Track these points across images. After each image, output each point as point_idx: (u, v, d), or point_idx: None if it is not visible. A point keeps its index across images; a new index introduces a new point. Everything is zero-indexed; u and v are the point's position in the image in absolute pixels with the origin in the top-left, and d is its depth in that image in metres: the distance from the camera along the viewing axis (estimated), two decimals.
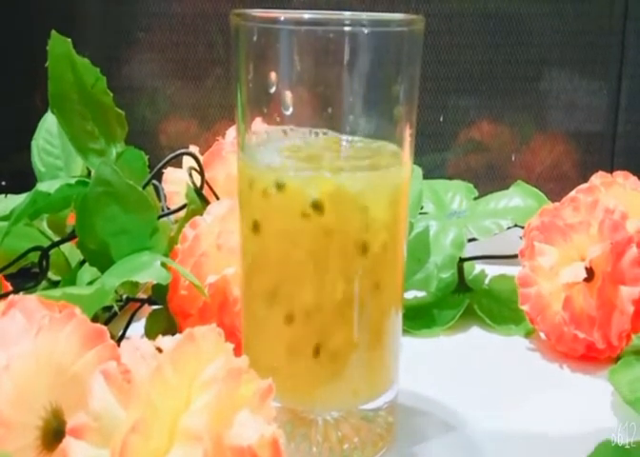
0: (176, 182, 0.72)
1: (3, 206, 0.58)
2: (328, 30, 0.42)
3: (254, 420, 0.35)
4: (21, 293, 0.55)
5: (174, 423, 0.33)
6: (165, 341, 0.36)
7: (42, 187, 0.53)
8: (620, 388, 0.53)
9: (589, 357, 0.59)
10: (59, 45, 0.54)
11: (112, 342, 0.37)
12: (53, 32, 0.54)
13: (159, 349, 0.35)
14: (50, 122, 0.67)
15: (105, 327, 0.37)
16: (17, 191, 0.61)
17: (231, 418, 0.34)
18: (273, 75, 0.43)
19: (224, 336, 0.37)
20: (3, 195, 0.62)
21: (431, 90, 0.85)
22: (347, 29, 0.41)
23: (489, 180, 0.89)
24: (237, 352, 0.37)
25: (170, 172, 0.72)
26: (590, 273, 0.58)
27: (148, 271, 0.49)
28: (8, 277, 0.58)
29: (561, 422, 0.52)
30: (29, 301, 0.37)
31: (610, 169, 0.66)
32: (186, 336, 0.35)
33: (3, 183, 0.88)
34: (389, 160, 0.45)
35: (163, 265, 0.50)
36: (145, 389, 0.33)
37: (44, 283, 0.57)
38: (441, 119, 0.89)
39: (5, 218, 0.56)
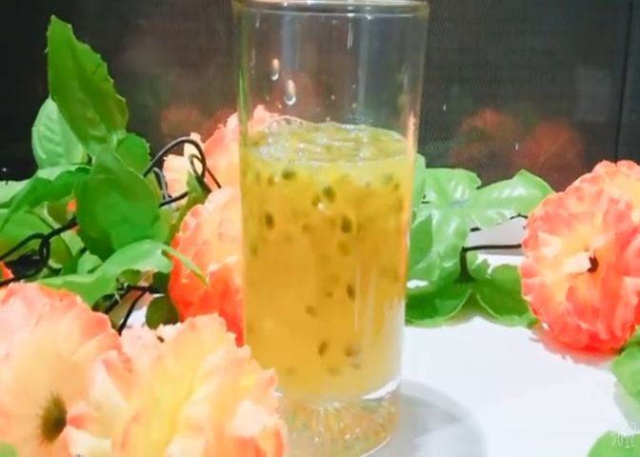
0: (177, 169, 0.71)
1: (3, 192, 0.58)
2: (331, 17, 0.41)
3: (256, 411, 0.34)
4: (21, 281, 0.55)
5: (176, 413, 0.33)
6: (166, 330, 0.35)
7: (42, 174, 0.53)
8: (623, 380, 0.52)
9: (592, 348, 0.59)
10: (59, 31, 0.54)
11: (113, 331, 0.37)
12: (53, 18, 0.53)
13: (160, 339, 0.35)
14: (50, 108, 0.67)
15: (106, 316, 0.37)
16: (18, 178, 0.61)
17: (233, 408, 0.34)
18: (276, 62, 0.43)
19: (225, 326, 0.37)
20: (3, 182, 0.62)
21: (435, 79, 0.84)
22: (350, 15, 0.41)
23: (492, 169, 0.89)
24: (238, 342, 0.37)
25: (170, 160, 0.72)
26: (594, 264, 0.58)
27: (149, 260, 0.49)
28: (8, 264, 0.58)
29: (563, 413, 0.52)
30: (29, 289, 0.37)
31: (615, 159, 0.66)
32: (187, 325, 0.35)
33: (4, 169, 0.88)
34: (393, 148, 0.44)
35: (164, 253, 0.50)
36: (146, 379, 0.32)
37: (44, 271, 0.57)
38: (444, 108, 0.88)
39: (5, 205, 0.56)
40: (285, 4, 0.41)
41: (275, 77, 0.43)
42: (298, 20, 0.42)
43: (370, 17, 0.41)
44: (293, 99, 0.43)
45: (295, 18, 0.42)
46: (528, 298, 0.61)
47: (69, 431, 0.32)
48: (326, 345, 0.45)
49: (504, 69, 0.87)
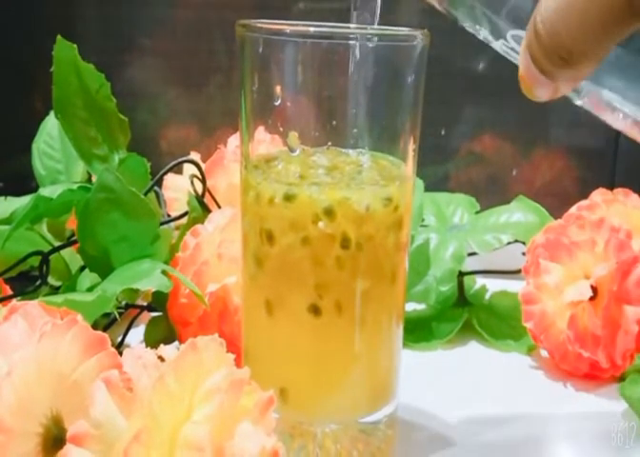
0: (176, 188, 0.71)
1: (3, 208, 0.58)
2: (333, 44, 0.42)
3: (255, 432, 0.34)
4: (19, 298, 0.55)
5: (176, 433, 0.33)
6: (166, 350, 0.36)
7: (44, 192, 0.53)
8: (634, 405, 0.53)
9: (591, 376, 0.59)
10: (64, 50, 0.54)
11: (113, 349, 0.37)
12: (59, 38, 0.53)
13: (161, 358, 0.35)
14: (51, 125, 0.67)
15: (106, 335, 0.37)
16: (14, 193, 0.61)
17: (233, 429, 0.34)
18: (278, 87, 0.43)
19: (225, 346, 0.37)
20: (2, 198, 0.62)
21: (433, 103, 0.85)
22: (351, 42, 0.42)
23: (490, 194, 0.89)
24: (237, 362, 0.37)
25: (170, 179, 0.72)
26: (595, 292, 0.58)
27: (149, 279, 0.49)
28: (6, 280, 0.58)
29: (566, 439, 0.53)
30: (31, 307, 0.37)
31: (611, 187, 0.66)
32: (188, 346, 0.35)
33: (0, 184, 0.88)
34: (393, 173, 0.45)
35: (164, 273, 0.50)
36: (147, 399, 0.33)
37: (44, 288, 0.57)
38: (442, 132, 0.89)
39: (5, 220, 0.56)
40: (287, 30, 0.42)
41: (277, 102, 0.43)
42: (300, 46, 0.42)
43: (371, 45, 0.42)
44: (295, 123, 0.44)
45: (298, 44, 0.42)
46: (528, 325, 0.61)
47: (69, 449, 0.32)
48: (320, 367, 0.45)
49: (503, 96, 0.87)
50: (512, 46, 0.36)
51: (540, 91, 0.33)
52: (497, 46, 0.37)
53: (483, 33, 0.37)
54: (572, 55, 0.31)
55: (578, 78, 0.33)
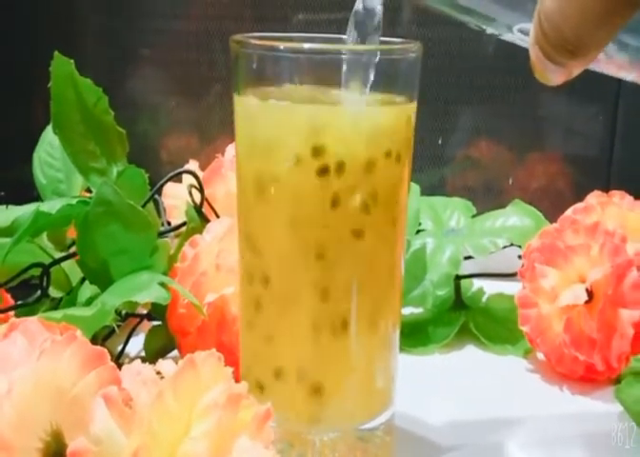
0: (176, 196, 0.72)
1: (4, 217, 0.58)
2: (326, 59, 0.42)
3: (253, 446, 0.35)
4: (19, 310, 0.56)
5: (174, 449, 0.33)
6: (165, 365, 0.36)
7: (44, 207, 0.54)
8: (629, 408, 0.53)
9: (587, 378, 0.59)
10: (62, 65, 0.54)
11: (112, 364, 0.37)
12: (56, 54, 0.54)
13: (159, 373, 0.35)
14: (52, 135, 0.67)
15: (105, 350, 0.37)
16: (17, 202, 0.61)
17: (231, 444, 0.35)
18: (272, 101, 0.44)
19: (223, 360, 0.37)
20: (4, 206, 0.62)
21: (430, 113, 0.85)
22: (344, 57, 0.42)
23: (486, 198, 0.89)
24: (236, 371, 0.37)
25: (169, 187, 0.72)
26: (590, 295, 0.58)
27: (147, 291, 0.50)
28: (8, 288, 0.58)
29: (559, 441, 0.53)
30: (30, 323, 0.38)
31: (606, 192, 0.66)
32: (186, 362, 0.35)
33: (2, 193, 0.88)
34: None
35: (162, 285, 0.50)
36: (146, 415, 0.33)
37: (44, 300, 0.58)
38: (439, 142, 0.89)
39: (6, 229, 0.56)
40: (281, 47, 0.42)
41: None
42: (294, 62, 0.42)
43: (364, 59, 0.42)
44: None
45: (291, 60, 0.42)
46: (524, 328, 0.61)
47: None
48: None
49: (500, 104, 0.88)
50: (521, 37, 0.37)
51: (553, 76, 0.35)
52: (506, 37, 0.38)
53: (490, 30, 0.39)
54: (578, 48, 0.33)
55: (588, 62, 0.35)
